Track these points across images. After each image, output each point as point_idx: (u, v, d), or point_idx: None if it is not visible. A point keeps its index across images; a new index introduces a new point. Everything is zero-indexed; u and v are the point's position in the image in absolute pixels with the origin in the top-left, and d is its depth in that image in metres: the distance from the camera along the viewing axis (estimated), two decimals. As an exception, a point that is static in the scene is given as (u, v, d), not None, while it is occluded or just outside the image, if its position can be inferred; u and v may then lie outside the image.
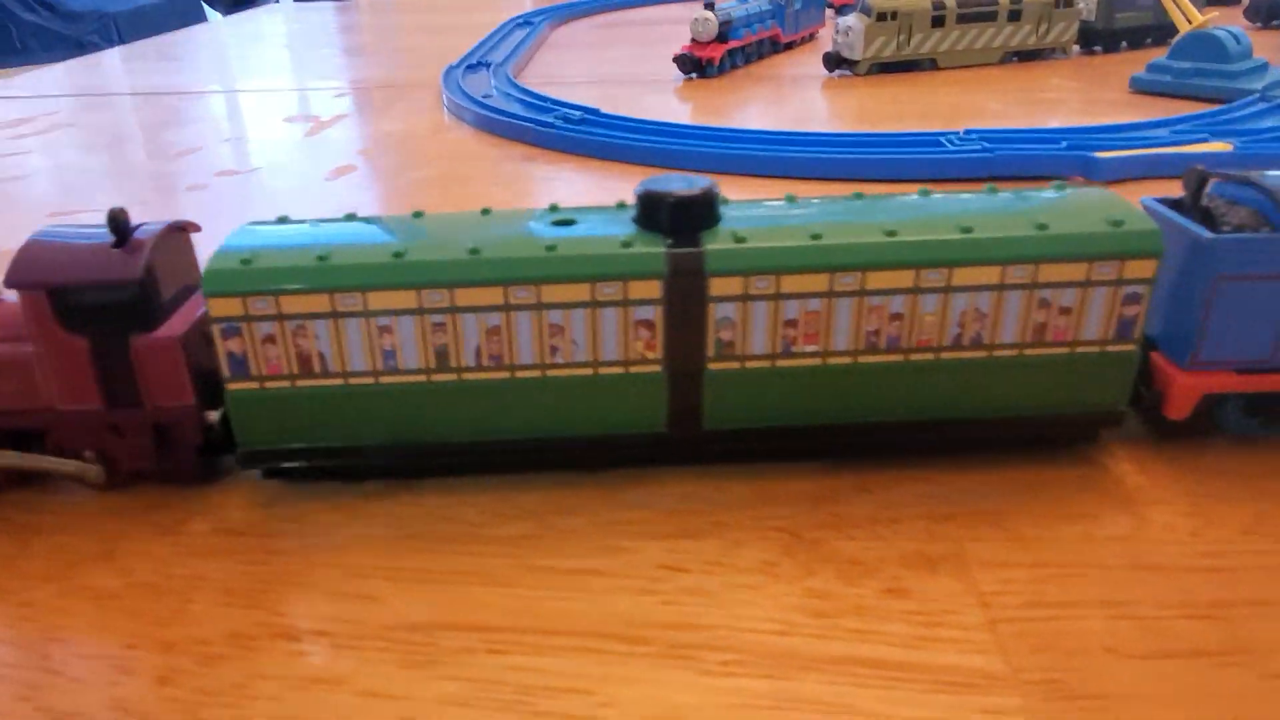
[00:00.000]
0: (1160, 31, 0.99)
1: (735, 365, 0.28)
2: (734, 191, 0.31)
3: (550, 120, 0.70)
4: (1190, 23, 0.81)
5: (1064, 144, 0.59)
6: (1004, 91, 0.83)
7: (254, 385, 0.28)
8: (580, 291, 0.27)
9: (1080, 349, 0.29)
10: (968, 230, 0.28)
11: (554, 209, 0.29)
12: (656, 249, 0.27)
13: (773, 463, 0.30)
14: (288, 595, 0.25)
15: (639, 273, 0.27)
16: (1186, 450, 0.31)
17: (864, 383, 0.29)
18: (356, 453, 0.29)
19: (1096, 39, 0.99)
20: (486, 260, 0.26)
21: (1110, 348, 0.29)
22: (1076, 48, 1.01)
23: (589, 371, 0.28)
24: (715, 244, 0.27)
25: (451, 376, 0.28)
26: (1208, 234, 0.28)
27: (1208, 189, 0.29)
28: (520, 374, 0.28)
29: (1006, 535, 0.27)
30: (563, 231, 0.28)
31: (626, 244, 0.27)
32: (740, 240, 0.27)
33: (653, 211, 0.28)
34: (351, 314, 0.27)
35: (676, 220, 0.28)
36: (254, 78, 1.05)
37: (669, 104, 0.84)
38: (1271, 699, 0.21)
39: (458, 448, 0.29)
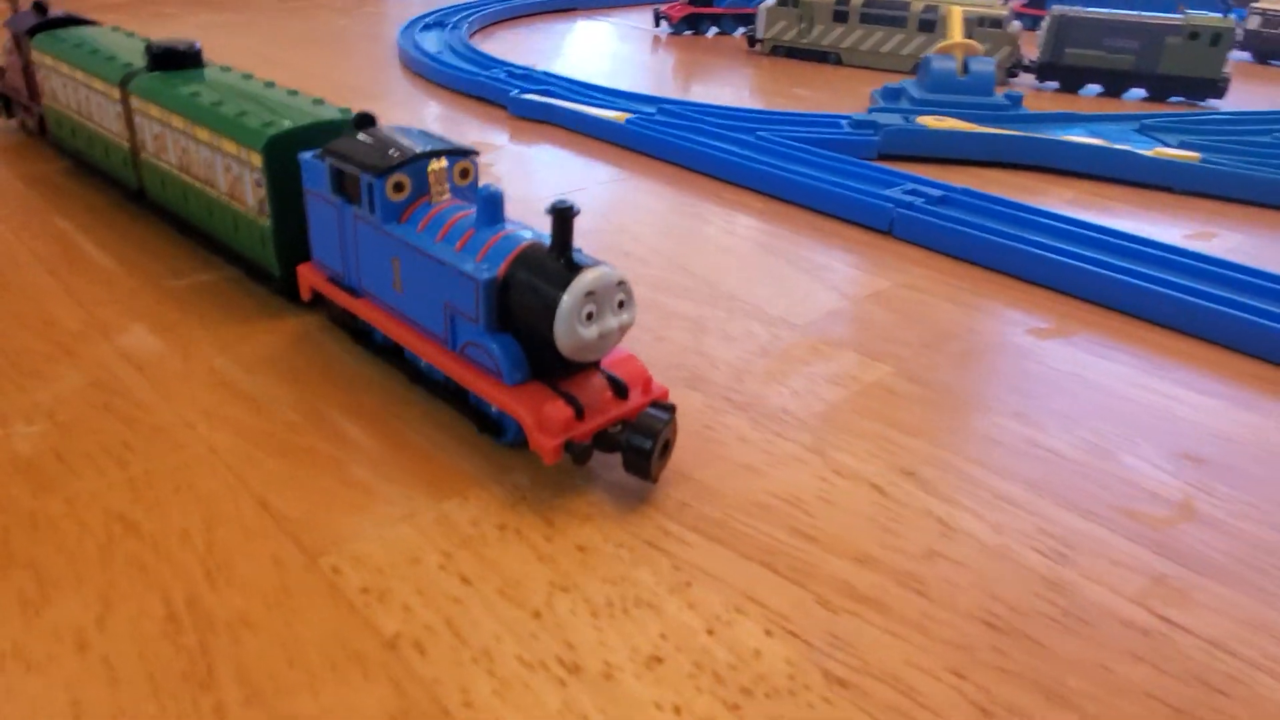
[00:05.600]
0: (1124, 79, 0.92)
1: (151, 156, 0.47)
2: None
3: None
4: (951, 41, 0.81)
5: (547, 88, 0.90)
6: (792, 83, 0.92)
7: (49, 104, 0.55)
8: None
9: (248, 211, 0.40)
10: (216, 104, 0.41)
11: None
12: (119, 74, 0.47)
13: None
14: None
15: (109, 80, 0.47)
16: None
17: (185, 189, 0.45)
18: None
19: (1052, 74, 0.94)
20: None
21: (257, 218, 0.40)
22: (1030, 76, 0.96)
23: None
24: (139, 80, 0.46)
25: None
26: (305, 154, 0.37)
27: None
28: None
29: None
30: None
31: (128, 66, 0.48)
32: (157, 80, 0.45)
33: (151, 54, 0.47)
34: (61, 75, 0.52)
35: (161, 61, 0.46)
36: None
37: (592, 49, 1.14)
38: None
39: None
